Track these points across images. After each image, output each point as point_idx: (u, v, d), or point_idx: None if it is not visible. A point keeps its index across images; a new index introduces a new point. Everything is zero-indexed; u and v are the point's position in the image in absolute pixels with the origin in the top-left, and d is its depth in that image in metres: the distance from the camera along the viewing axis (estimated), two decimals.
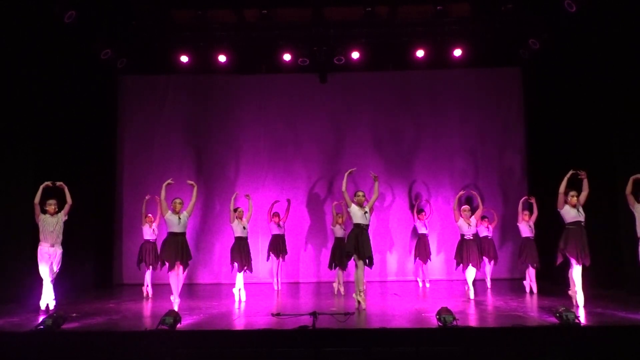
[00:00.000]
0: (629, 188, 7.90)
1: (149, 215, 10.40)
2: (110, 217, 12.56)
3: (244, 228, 9.50)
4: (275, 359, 5.94)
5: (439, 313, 6.50)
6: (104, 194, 12.29)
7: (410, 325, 6.96)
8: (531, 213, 10.10)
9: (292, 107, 12.99)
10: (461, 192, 10.12)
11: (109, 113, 12.58)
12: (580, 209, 7.98)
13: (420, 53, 11.95)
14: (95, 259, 11.79)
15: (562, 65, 11.01)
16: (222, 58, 12.01)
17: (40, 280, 8.27)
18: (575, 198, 7.98)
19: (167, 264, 8.51)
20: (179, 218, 8.49)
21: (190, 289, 10.25)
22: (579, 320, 6.26)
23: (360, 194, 8.39)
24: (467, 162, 12.82)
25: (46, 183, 8.39)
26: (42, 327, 6.34)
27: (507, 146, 12.84)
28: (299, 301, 9.58)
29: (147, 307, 8.94)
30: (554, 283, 10.33)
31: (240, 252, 9.40)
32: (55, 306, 8.28)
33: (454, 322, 6.26)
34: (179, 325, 6.52)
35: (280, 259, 11.27)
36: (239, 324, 7.39)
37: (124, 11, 10.87)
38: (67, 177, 10.71)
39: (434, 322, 6.52)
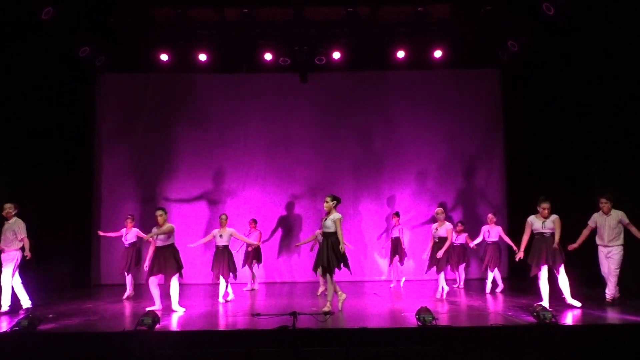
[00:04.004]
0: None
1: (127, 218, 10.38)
2: (87, 217, 12.37)
3: (221, 236, 9.37)
4: (255, 359, 5.93)
5: (418, 313, 6.54)
6: (81, 193, 12.12)
7: (390, 325, 7.00)
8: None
9: (273, 107, 12.93)
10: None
11: (87, 111, 12.41)
12: (547, 222, 7.87)
13: (400, 54, 11.99)
14: (72, 259, 11.63)
15: (541, 67, 11.14)
16: (202, 57, 11.93)
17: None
18: (546, 210, 7.87)
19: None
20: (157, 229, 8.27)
21: (168, 289, 10.17)
22: (555, 319, 6.35)
23: (327, 199, 8.03)
24: (445, 163, 12.88)
25: None
26: (17, 328, 6.25)
27: (486, 148, 12.92)
28: (280, 301, 9.55)
29: (125, 308, 8.85)
30: (531, 284, 10.44)
31: (218, 261, 9.31)
32: (30, 307, 8.19)
33: (434, 322, 6.30)
34: (157, 326, 6.47)
35: (250, 266, 11.14)
36: (219, 324, 7.35)
37: (103, 8, 10.73)
38: (43, 176, 10.63)
39: (413, 322, 6.55)
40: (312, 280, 12.32)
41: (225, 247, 9.38)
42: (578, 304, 7.78)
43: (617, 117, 9.37)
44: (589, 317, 7.14)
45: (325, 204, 8.00)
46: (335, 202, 8.00)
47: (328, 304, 7.93)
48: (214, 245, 9.57)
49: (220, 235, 9.36)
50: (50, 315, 7.62)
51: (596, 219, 8.28)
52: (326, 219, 7.98)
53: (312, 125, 12.93)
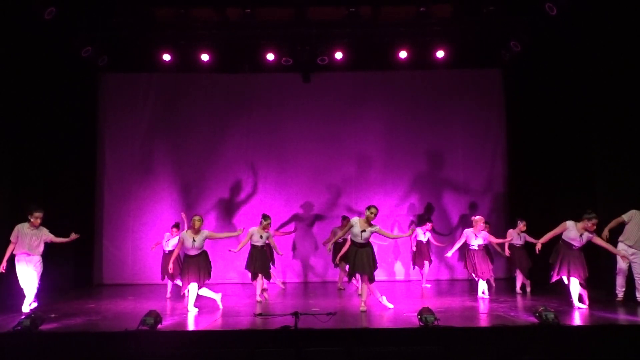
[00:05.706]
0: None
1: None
2: (90, 217, 12.39)
3: (261, 237, 9.38)
4: (257, 359, 5.93)
5: (420, 313, 6.54)
6: (83, 193, 12.14)
7: (392, 325, 6.98)
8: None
9: (275, 107, 12.90)
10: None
11: (89, 111, 12.43)
12: (584, 236, 7.84)
13: (403, 54, 11.97)
14: (75, 259, 11.61)
15: (543, 67, 11.13)
16: (204, 57, 11.92)
17: (16, 280, 8.21)
18: (595, 226, 7.80)
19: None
20: (194, 240, 8.29)
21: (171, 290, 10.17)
22: (558, 319, 6.33)
23: (374, 210, 8.04)
24: (447, 164, 12.86)
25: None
26: (19, 328, 6.25)
27: (489, 148, 12.88)
28: (283, 301, 9.55)
29: (127, 308, 8.84)
30: (540, 285, 10.41)
31: (253, 261, 9.31)
32: (34, 307, 8.19)
33: (435, 322, 6.29)
34: (159, 326, 6.47)
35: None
36: (221, 324, 7.35)
37: (105, 8, 10.74)
38: (45, 177, 10.62)
39: (415, 322, 6.55)
40: (313, 280, 12.38)
41: (261, 247, 9.40)
42: (584, 306, 7.79)
43: (620, 118, 9.35)
44: (592, 318, 7.12)
45: (371, 215, 8.02)
46: None
47: (363, 303, 8.05)
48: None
49: (261, 236, 9.38)
50: (52, 315, 7.63)
51: (637, 217, 8.25)
52: (365, 230, 8.02)
53: (314, 125, 12.89)
